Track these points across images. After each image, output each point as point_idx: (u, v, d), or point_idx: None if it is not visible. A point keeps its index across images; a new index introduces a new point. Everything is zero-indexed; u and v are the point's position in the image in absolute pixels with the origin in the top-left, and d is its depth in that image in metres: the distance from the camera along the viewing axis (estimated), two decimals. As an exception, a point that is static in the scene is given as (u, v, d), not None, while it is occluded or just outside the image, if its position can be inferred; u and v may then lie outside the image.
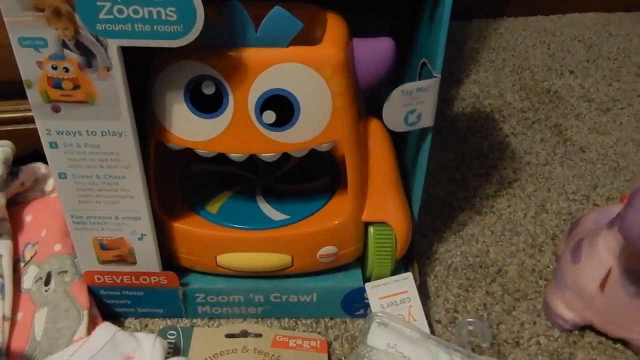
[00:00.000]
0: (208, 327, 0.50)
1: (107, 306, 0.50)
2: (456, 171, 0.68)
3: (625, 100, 0.79)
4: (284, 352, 0.46)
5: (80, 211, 0.43)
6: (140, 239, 0.45)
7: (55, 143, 0.40)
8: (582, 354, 0.48)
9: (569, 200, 0.64)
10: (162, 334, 0.48)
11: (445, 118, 0.76)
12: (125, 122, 0.39)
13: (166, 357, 0.44)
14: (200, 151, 0.42)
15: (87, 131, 0.39)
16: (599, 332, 0.49)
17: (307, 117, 0.40)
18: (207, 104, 0.40)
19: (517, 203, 0.64)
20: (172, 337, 0.48)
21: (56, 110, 0.38)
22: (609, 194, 0.65)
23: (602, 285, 0.45)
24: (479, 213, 0.62)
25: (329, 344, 0.48)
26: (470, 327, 0.42)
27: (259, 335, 0.47)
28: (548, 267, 0.56)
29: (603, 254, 0.44)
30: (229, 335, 0.48)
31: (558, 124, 0.75)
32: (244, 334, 0.48)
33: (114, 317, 0.50)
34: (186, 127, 0.41)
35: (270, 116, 0.40)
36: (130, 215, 0.44)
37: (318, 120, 0.41)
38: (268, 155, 0.43)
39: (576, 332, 0.50)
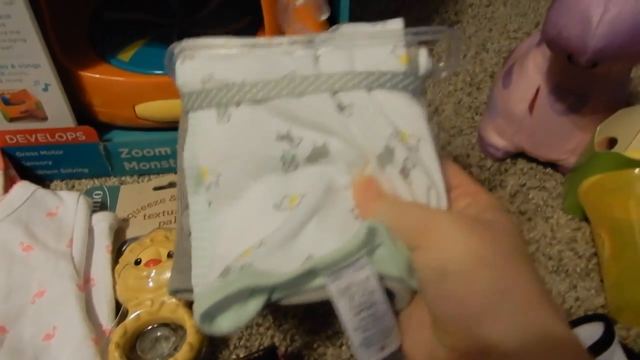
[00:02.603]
0: (138, 183, 0.48)
1: (28, 169, 0.47)
2: (395, 15, 0.64)
3: None
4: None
5: (-30, 61, 0.40)
6: (45, 89, 0.42)
7: None
8: (513, 180, 0.48)
9: (510, 38, 0.62)
10: (87, 194, 0.46)
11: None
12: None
13: (92, 213, 0.43)
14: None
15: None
16: (530, 159, 0.49)
17: None
18: None
19: (457, 44, 0.61)
20: (98, 196, 0.46)
21: None
22: (551, 30, 0.63)
23: (531, 107, 0.44)
24: (418, 56, 0.60)
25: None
26: None
27: (188, 185, 0.46)
28: (485, 103, 0.55)
29: (532, 73, 0.43)
30: (157, 188, 0.46)
31: (504, -36, 0.71)
32: (172, 185, 0.47)
33: (38, 180, 0.47)
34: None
35: None
36: (28, 63, 0.40)
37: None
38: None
39: (509, 160, 0.50)
